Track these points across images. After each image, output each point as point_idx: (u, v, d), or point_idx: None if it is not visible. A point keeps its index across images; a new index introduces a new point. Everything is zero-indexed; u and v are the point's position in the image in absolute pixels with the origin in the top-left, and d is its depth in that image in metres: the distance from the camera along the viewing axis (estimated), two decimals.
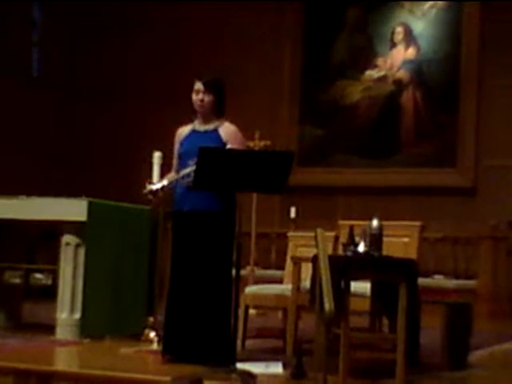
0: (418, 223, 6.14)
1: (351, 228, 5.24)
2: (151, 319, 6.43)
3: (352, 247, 5.14)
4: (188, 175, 5.19)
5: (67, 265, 6.39)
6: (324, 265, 4.68)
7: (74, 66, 13.00)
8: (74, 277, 6.37)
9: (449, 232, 10.89)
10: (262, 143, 9.71)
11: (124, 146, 12.73)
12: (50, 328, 6.42)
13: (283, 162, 5.01)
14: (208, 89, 5.40)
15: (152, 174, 6.16)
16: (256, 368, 4.99)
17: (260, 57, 12.43)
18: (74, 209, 6.36)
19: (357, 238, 5.16)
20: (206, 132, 5.43)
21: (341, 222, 6.27)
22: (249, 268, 9.61)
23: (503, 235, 10.44)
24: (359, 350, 5.28)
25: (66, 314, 6.35)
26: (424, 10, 11.83)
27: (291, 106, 12.32)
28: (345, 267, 4.92)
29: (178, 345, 5.28)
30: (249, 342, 6.27)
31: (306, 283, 5.64)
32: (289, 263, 6.39)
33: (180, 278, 5.34)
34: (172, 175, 5.55)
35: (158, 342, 6.01)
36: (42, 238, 7.15)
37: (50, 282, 6.83)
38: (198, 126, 5.50)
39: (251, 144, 9.32)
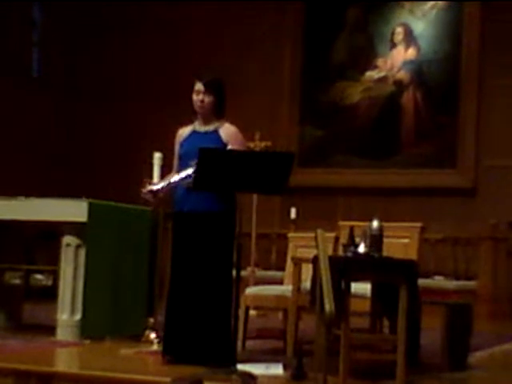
0: (418, 224, 6.14)
1: (351, 229, 5.25)
2: (151, 320, 6.43)
3: (352, 248, 5.14)
4: (188, 176, 5.19)
5: (67, 266, 6.39)
6: (324, 266, 4.68)
7: (74, 66, 13.00)
8: (75, 278, 6.36)
9: (449, 233, 10.88)
10: (263, 144, 9.71)
11: (124, 147, 12.74)
12: (50, 329, 6.42)
13: (284, 162, 5.01)
14: (208, 89, 5.39)
15: (152, 175, 6.16)
16: (256, 369, 4.99)
17: (260, 57, 12.43)
18: (74, 210, 6.36)
19: (357, 239, 5.16)
20: (206, 133, 5.43)
21: (341, 223, 6.27)
22: (249, 269, 9.61)
23: (503, 236, 10.45)
24: (359, 351, 5.28)
25: (67, 315, 6.35)
26: (424, 10, 11.83)
27: (291, 106, 12.32)
28: (345, 268, 4.92)
29: (178, 346, 5.28)
30: (249, 343, 6.27)
31: (307, 284, 5.64)
32: (289, 264, 6.39)
33: (180, 278, 5.33)
34: (172, 176, 5.55)
35: (158, 342, 6.01)
36: (43, 239, 7.15)
37: (50, 282, 6.83)
38: (198, 126, 5.50)
39: (251, 145, 9.32)
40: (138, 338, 6.33)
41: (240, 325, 5.81)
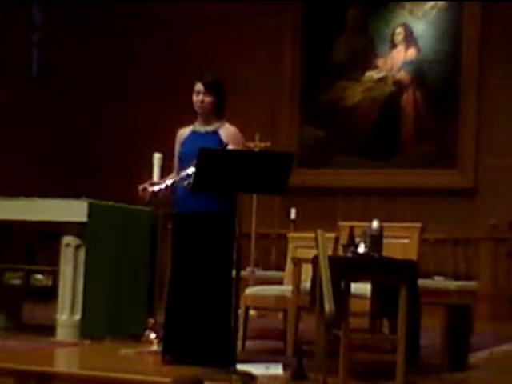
0: (417, 224, 6.14)
1: (351, 229, 5.25)
2: (151, 320, 6.44)
3: (352, 248, 5.14)
4: (189, 176, 5.19)
5: (67, 266, 6.39)
6: (324, 266, 4.68)
7: (74, 66, 12.99)
8: (75, 278, 6.37)
9: (449, 233, 10.87)
10: (263, 144, 9.70)
11: (124, 147, 12.73)
12: (50, 329, 6.42)
13: (284, 163, 5.01)
14: (208, 90, 5.40)
15: (152, 175, 6.16)
16: (256, 369, 4.99)
17: (260, 57, 12.42)
18: (74, 210, 6.37)
19: (357, 239, 5.16)
20: (206, 133, 5.43)
21: (341, 223, 6.28)
22: (249, 269, 9.61)
23: (503, 236, 10.44)
24: (359, 352, 5.29)
25: (67, 315, 6.35)
26: (424, 10, 11.82)
27: (291, 106, 12.31)
28: (345, 268, 4.92)
29: (178, 346, 5.28)
30: (249, 343, 6.27)
31: (307, 284, 5.65)
32: (289, 264, 6.40)
33: (180, 279, 5.34)
34: (172, 176, 5.55)
35: (158, 343, 6.01)
36: (43, 239, 7.15)
37: (50, 283, 6.84)
38: (198, 127, 5.50)
39: (251, 145, 9.33)
40: (137, 338, 6.34)
41: (240, 325, 5.82)
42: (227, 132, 5.40)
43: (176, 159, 5.56)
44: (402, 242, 5.96)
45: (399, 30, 11.92)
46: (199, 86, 5.42)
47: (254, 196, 9.28)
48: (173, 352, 5.30)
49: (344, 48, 12.18)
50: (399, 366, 4.85)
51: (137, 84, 12.96)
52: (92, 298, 6.38)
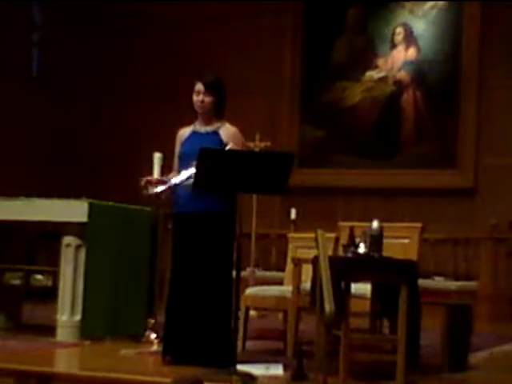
0: (418, 224, 6.14)
1: (351, 229, 5.25)
2: (152, 320, 6.44)
3: (352, 248, 5.14)
4: (189, 176, 5.19)
5: (67, 266, 6.39)
6: (324, 266, 4.68)
7: (74, 66, 12.99)
8: (75, 278, 6.36)
9: (449, 233, 10.87)
10: (263, 144, 9.70)
11: (124, 146, 12.73)
12: (50, 329, 6.41)
13: (284, 163, 5.01)
14: (208, 90, 5.40)
15: (152, 175, 6.15)
16: (256, 369, 4.99)
17: (260, 57, 12.42)
18: (74, 210, 6.37)
19: (357, 240, 5.16)
20: (206, 133, 5.43)
21: (341, 224, 6.28)
22: (249, 269, 9.61)
23: (503, 236, 10.44)
24: (359, 352, 5.29)
25: (67, 316, 6.35)
26: (424, 10, 11.82)
27: (291, 106, 12.31)
28: (345, 268, 4.92)
29: (179, 346, 5.28)
30: (249, 344, 6.27)
31: (307, 285, 5.64)
32: (289, 264, 6.39)
33: (180, 279, 5.34)
34: (172, 176, 5.55)
35: (159, 343, 6.01)
36: (43, 239, 7.15)
37: (50, 283, 6.84)
38: (198, 127, 5.50)
39: (252, 145, 9.33)
40: (138, 338, 6.33)
41: (240, 325, 5.81)
42: (227, 132, 5.40)
43: (176, 159, 5.56)
44: (402, 242, 5.96)
45: (399, 29, 11.92)
46: (199, 86, 5.42)
47: (254, 196, 9.28)
48: (173, 352, 5.30)
49: (344, 48, 12.18)
50: (399, 366, 4.85)
51: (137, 84, 12.96)
52: (92, 298, 6.37)
